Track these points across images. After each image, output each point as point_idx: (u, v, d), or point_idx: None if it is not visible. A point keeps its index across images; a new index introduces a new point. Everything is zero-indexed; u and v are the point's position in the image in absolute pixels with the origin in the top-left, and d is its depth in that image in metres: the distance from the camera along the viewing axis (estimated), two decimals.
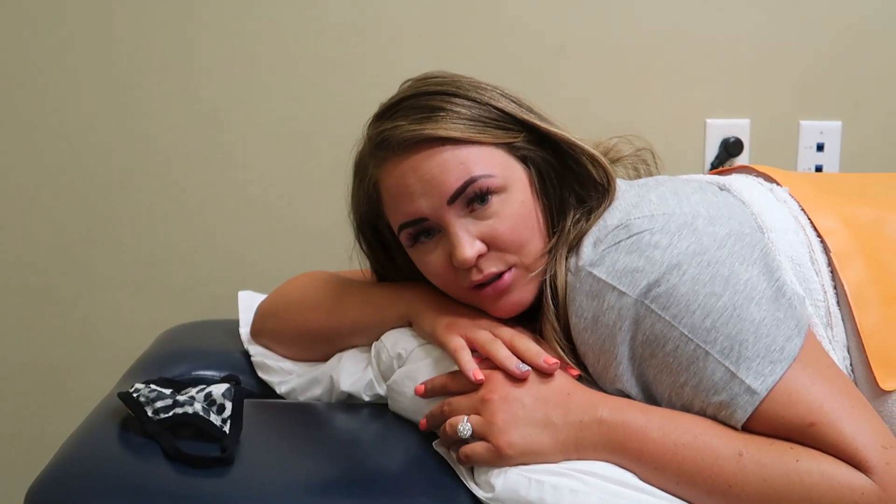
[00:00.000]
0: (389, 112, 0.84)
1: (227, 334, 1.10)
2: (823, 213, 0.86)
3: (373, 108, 1.35)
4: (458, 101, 0.82)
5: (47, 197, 1.39)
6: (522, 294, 0.82)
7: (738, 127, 1.44)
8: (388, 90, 1.35)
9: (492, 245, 0.81)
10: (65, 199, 1.39)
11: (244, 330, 1.08)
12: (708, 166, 1.44)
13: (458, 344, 0.80)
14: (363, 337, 0.94)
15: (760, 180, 0.93)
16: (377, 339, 0.92)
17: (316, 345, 0.99)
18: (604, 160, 0.85)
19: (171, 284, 1.41)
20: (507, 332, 0.81)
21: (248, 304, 1.10)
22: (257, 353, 1.04)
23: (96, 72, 1.37)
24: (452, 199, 0.80)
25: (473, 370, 0.78)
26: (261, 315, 1.06)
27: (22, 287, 1.41)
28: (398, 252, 0.89)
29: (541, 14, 1.39)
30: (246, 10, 1.36)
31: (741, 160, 1.44)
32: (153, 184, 1.39)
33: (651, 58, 1.41)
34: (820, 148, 1.45)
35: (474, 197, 0.80)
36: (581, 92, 1.41)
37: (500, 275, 0.81)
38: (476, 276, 0.80)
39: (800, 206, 0.87)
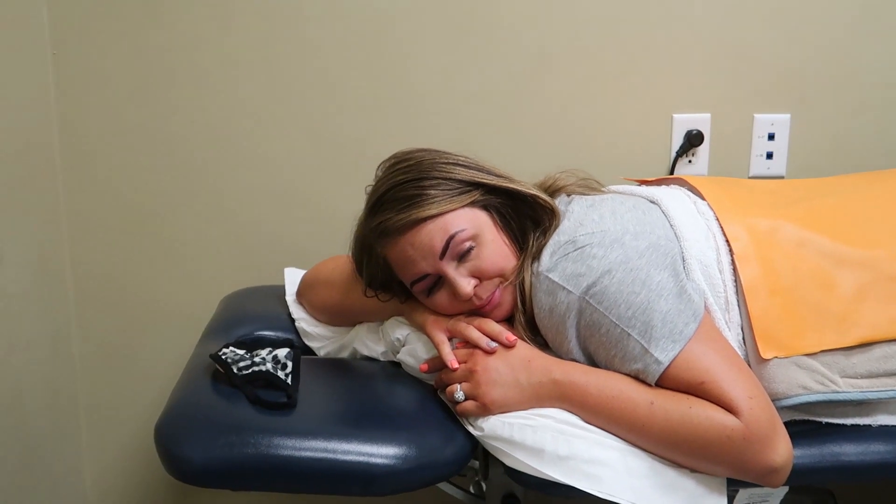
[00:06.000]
0: (377, 207, 1.09)
1: (277, 300, 1.38)
2: (732, 223, 1.11)
3: (385, 111, 1.58)
4: (426, 183, 1.06)
5: (131, 182, 1.58)
6: (508, 301, 1.09)
7: (700, 120, 1.61)
8: (396, 94, 1.57)
9: (481, 277, 1.07)
10: (145, 182, 1.58)
11: (290, 299, 1.36)
12: (673, 155, 1.64)
13: (441, 339, 1.09)
14: (370, 318, 1.23)
15: (688, 193, 1.19)
16: (380, 321, 1.21)
17: (337, 316, 1.27)
18: (541, 194, 1.10)
19: (228, 252, 1.61)
20: (477, 320, 1.08)
21: (291, 279, 1.39)
22: (299, 317, 1.32)
23: (160, 84, 1.54)
24: (442, 255, 1.06)
25: (452, 360, 1.06)
26: (302, 285, 1.34)
27: (111, 254, 1.61)
28: (398, 289, 1.15)
29: (526, 26, 1.54)
30: (279, 25, 1.53)
31: (702, 149, 1.62)
32: (213, 179, 1.58)
33: (624, 61, 1.56)
34: (771, 137, 1.62)
35: (459, 250, 1.06)
36: (563, 94, 1.57)
37: (492, 295, 1.08)
38: (478, 303, 1.08)
39: (715, 215, 1.13)
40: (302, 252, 1.56)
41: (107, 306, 1.64)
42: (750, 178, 1.66)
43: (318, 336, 1.30)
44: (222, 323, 1.32)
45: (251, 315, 1.35)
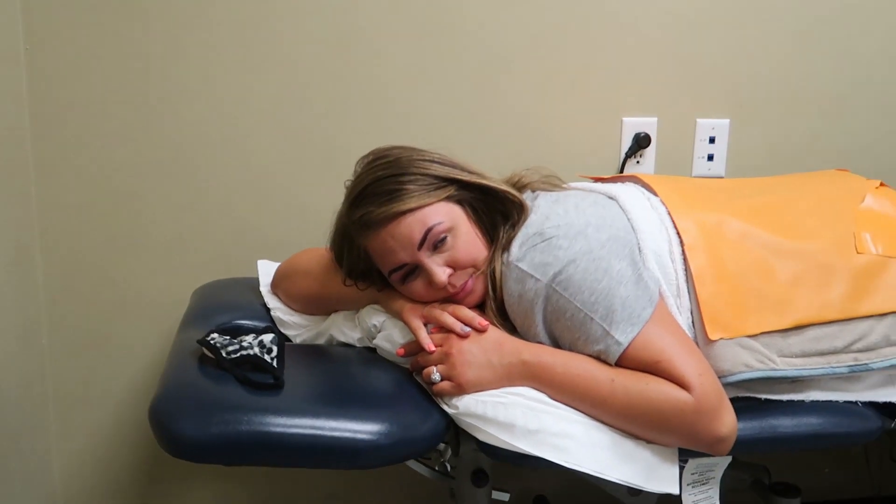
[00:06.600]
0: (358, 200, 1.15)
1: (250, 291, 1.44)
2: (683, 217, 1.22)
3: (355, 109, 1.65)
4: (405, 178, 1.13)
5: (100, 182, 1.60)
6: (479, 289, 1.17)
7: (647, 124, 1.71)
8: (365, 93, 1.64)
9: (455, 267, 1.15)
10: (113, 182, 1.61)
11: (264, 290, 1.41)
12: (623, 155, 1.74)
13: (417, 324, 1.16)
14: (346, 306, 1.29)
15: (643, 190, 1.29)
16: (356, 309, 1.27)
17: (314, 305, 1.33)
18: (511, 190, 1.18)
19: (195, 250, 1.64)
20: (451, 307, 1.16)
21: (265, 270, 1.44)
22: (275, 307, 1.38)
23: (138, 79, 1.57)
24: (420, 246, 1.13)
25: (429, 344, 1.13)
26: (278, 275, 1.40)
27: (81, 251, 1.63)
28: (376, 278, 1.22)
29: (487, 33, 1.63)
30: (254, 23, 1.58)
31: (649, 151, 1.73)
32: (186, 172, 1.61)
33: (578, 68, 1.66)
34: (712, 140, 1.74)
35: (435, 241, 1.13)
36: (521, 97, 1.66)
37: (465, 283, 1.15)
38: (452, 290, 1.15)
39: (667, 210, 1.24)
40: (272, 245, 1.61)
41: (77, 297, 1.66)
42: (693, 177, 1.77)
43: (295, 325, 1.36)
44: (200, 312, 1.37)
45: (227, 305, 1.40)
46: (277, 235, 1.65)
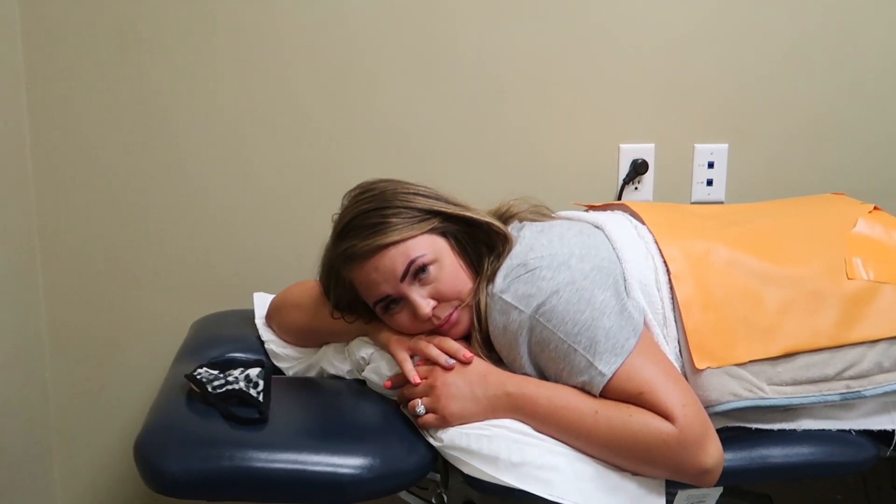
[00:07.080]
0: (343, 233, 1.17)
1: (246, 323, 1.45)
2: (669, 245, 1.21)
3: (353, 141, 1.67)
4: (388, 212, 1.14)
5: (102, 212, 1.65)
6: (465, 321, 1.17)
7: (644, 150, 1.71)
8: (363, 125, 1.66)
9: (439, 299, 1.15)
10: (116, 212, 1.66)
11: (259, 322, 1.43)
12: (620, 182, 1.74)
13: (403, 356, 1.16)
14: (336, 338, 1.30)
15: (630, 218, 1.29)
16: (346, 341, 1.28)
17: (305, 337, 1.34)
18: (495, 222, 1.19)
19: (197, 279, 1.68)
20: (437, 339, 1.16)
21: (260, 303, 1.45)
22: (268, 339, 1.39)
23: (140, 111, 1.61)
24: (403, 277, 1.14)
25: (414, 376, 1.14)
26: (271, 308, 1.41)
27: (83, 283, 1.67)
28: (363, 310, 1.22)
29: (484, 63, 1.65)
30: (252, 59, 1.62)
31: (647, 177, 1.73)
32: (184, 201, 1.65)
33: (575, 95, 1.67)
34: (710, 165, 1.73)
35: (417, 271, 1.14)
36: (519, 124, 1.68)
37: (450, 315, 1.16)
38: (437, 322, 1.16)
39: (654, 238, 1.23)
40: (274, 270, 1.64)
41: (79, 330, 1.69)
42: (692, 203, 1.77)
43: (287, 357, 1.37)
44: (195, 345, 1.39)
45: (222, 338, 1.41)
46: (279, 261, 1.67)
